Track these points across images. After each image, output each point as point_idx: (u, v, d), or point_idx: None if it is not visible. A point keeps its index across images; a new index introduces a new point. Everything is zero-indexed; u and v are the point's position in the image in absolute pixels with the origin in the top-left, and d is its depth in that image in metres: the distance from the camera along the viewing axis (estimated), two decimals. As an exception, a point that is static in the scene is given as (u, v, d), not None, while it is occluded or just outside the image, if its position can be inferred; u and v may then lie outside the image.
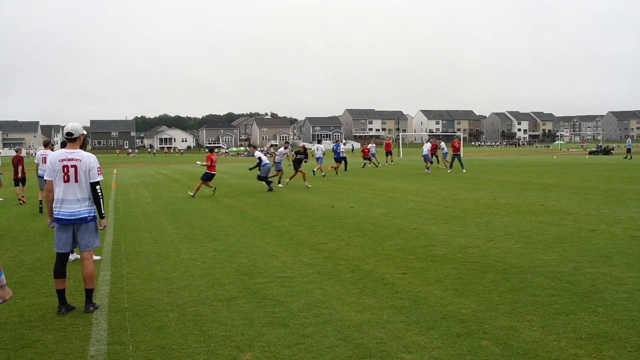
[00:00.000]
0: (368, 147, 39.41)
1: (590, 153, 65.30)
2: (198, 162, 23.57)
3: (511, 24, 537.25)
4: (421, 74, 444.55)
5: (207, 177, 20.04)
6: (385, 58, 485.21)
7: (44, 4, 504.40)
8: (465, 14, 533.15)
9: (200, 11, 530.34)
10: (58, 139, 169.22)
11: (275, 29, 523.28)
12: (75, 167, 6.27)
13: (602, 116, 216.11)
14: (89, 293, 6.34)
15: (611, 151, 64.84)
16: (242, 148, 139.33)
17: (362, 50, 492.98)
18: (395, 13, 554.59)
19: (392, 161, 41.63)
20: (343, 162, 32.02)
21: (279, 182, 24.23)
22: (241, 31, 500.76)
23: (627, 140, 52.98)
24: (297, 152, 24.13)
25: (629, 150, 49.72)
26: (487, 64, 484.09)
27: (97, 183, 6.39)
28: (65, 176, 6.27)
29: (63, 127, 6.71)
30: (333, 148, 32.21)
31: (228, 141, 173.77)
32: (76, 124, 6.42)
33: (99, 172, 6.43)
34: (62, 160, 6.30)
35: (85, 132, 6.55)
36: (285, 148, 25.73)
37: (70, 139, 6.39)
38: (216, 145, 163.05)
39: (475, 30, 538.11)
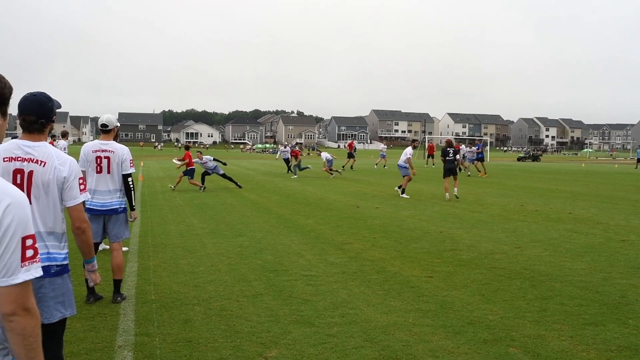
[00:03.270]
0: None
1: (519, 159, 65.24)
2: (175, 160, 23.16)
3: (536, 28, 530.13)
4: (448, 76, 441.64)
5: (190, 173, 20.30)
6: (411, 60, 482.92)
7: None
8: (490, 17, 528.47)
9: (225, 10, 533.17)
10: (87, 129, 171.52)
11: (300, 29, 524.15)
12: (108, 158, 6.35)
13: (632, 125, 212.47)
14: (117, 283, 6.42)
15: (539, 157, 65.22)
16: (267, 145, 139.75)
17: (389, 51, 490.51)
18: (420, 15, 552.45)
19: (433, 164, 40.97)
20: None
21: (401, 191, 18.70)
22: (266, 30, 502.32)
23: (638, 150, 51.83)
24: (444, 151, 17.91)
25: (639, 160, 49.18)
26: (514, 68, 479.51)
27: (129, 175, 6.47)
28: (98, 167, 6.35)
29: (92, 118, 6.64)
30: (477, 148, 32.36)
31: (254, 138, 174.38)
32: (111, 116, 6.49)
33: (131, 165, 6.51)
34: (96, 151, 6.38)
35: (119, 124, 6.62)
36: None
37: (104, 131, 6.47)
38: (241, 141, 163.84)
39: (501, 34, 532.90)
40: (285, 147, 33.15)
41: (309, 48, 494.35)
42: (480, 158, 31.89)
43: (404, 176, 18.74)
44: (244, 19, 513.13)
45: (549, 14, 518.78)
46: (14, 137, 4.68)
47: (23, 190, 3.36)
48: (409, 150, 18.80)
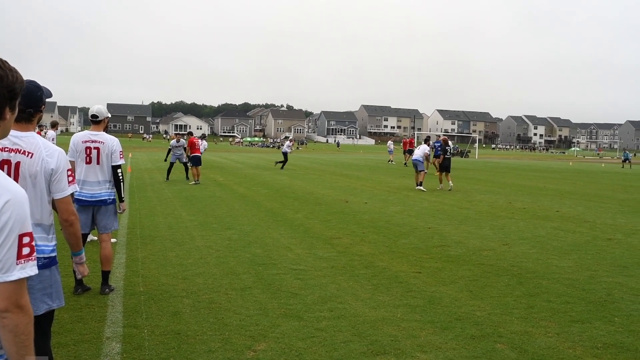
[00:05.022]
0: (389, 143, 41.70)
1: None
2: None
3: (526, 27, 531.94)
4: (438, 73, 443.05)
5: (194, 161, 19.98)
6: (402, 55, 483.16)
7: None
8: (481, 15, 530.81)
9: (218, 1, 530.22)
10: (75, 120, 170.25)
11: (291, 22, 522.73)
12: (98, 149, 6.32)
13: (620, 125, 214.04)
14: (106, 275, 6.39)
15: (467, 154, 67.04)
16: (256, 138, 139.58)
17: (379, 46, 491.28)
18: (410, 10, 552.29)
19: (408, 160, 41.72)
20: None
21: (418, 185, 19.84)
22: (257, 22, 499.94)
23: (625, 152, 54.57)
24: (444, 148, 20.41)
25: (625, 160, 51.82)
26: (504, 66, 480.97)
27: (119, 166, 6.44)
28: (88, 157, 6.32)
29: (80, 109, 6.53)
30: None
31: (243, 131, 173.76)
32: (101, 107, 6.45)
33: (121, 156, 6.48)
34: (85, 141, 6.35)
35: (109, 115, 6.58)
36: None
37: (95, 122, 6.43)
38: (231, 134, 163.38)
39: (491, 32, 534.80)
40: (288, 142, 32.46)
41: (300, 42, 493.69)
42: (438, 156, 31.30)
43: (420, 171, 19.94)
44: (235, 11, 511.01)
45: (538, 14, 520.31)
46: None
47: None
48: (425, 147, 21.13)
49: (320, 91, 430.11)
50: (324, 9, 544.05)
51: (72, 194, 3.62)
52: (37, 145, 3.42)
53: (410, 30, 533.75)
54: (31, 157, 3.39)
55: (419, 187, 19.61)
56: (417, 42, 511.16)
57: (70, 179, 3.55)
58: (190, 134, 21.97)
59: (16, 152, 3.37)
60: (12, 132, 3.39)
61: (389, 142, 43.30)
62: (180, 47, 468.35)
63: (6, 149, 3.37)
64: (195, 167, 19.92)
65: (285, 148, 31.34)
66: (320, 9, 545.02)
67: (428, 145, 21.68)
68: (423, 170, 20.00)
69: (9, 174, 3.35)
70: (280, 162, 30.89)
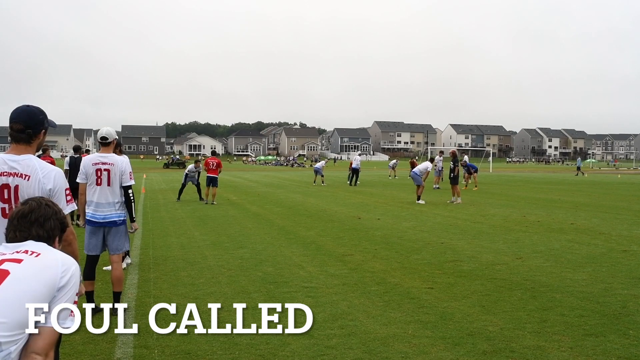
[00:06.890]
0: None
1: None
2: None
3: (533, 40, 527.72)
4: (448, 88, 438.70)
5: (210, 182, 19.83)
6: (410, 71, 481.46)
7: (65, 17, 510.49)
8: (486, 29, 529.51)
9: (219, 27, 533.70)
10: (90, 142, 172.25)
11: (293, 44, 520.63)
12: (108, 170, 6.39)
13: (635, 135, 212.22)
14: (117, 296, 6.42)
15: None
16: (270, 157, 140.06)
17: (387, 63, 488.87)
18: (417, 26, 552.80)
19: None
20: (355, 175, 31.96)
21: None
22: (263, 45, 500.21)
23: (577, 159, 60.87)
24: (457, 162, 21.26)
25: (578, 169, 55.44)
26: (514, 80, 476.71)
27: (129, 187, 6.50)
28: (98, 179, 6.38)
29: (95, 131, 6.63)
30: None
31: (256, 150, 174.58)
32: (110, 129, 6.54)
33: (131, 177, 6.54)
34: (96, 163, 6.42)
35: (117, 137, 6.68)
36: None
37: (104, 143, 6.51)
38: (244, 153, 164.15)
39: (497, 46, 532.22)
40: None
41: (307, 61, 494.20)
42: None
43: (417, 185, 20.89)
44: (236, 37, 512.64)
45: (543, 25, 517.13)
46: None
47: (11, 205, 3.40)
48: (428, 164, 22.04)
49: (331, 109, 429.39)
50: (326, 27, 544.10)
51: (72, 213, 3.66)
52: (33, 168, 3.51)
53: (414, 47, 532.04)
54: (28, 179, 3.48)
55: (418, 201, 20.54)
56: (425, 59, 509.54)
57: (69, 198, 3.61)
58: (215, 153, 22.01)
59: (14, 176, 3.47)
60: (11, 157, 3.51)
61: (393, 161, 47.07)
62: (189, 72, 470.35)
63: (5, 174, 3.46)
64: (213, 187, 19.85)
65: (356, 164, 31.90)
66: (322, 28, 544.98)
67: (431, 163, 23.06)
68: (420, 185, 20.73)
69: (9, 198, 3.45)
70: (354, 179, 31.83)
